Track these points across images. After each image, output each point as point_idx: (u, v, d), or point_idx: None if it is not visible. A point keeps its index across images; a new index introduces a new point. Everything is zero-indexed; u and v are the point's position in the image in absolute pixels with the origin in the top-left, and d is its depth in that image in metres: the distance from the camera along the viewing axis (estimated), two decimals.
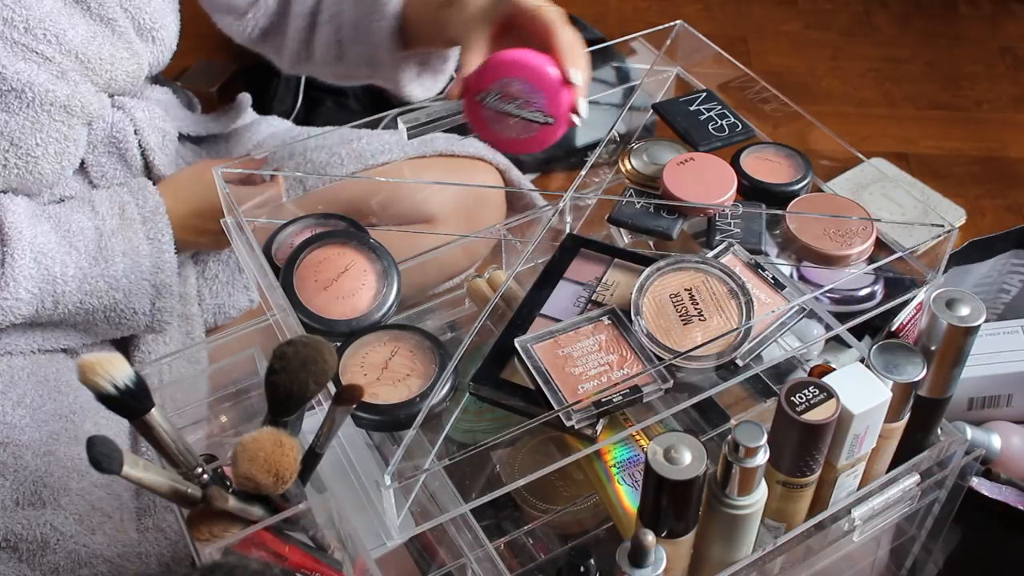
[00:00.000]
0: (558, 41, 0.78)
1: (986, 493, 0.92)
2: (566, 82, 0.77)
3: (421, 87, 1.04)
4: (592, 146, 0.88)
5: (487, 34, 0.82)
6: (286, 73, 1.09)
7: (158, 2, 0.96)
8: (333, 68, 1.03)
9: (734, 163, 0.86)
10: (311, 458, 0.66)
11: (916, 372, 0.73)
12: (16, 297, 0.87)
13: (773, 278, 0.76)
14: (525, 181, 1.23)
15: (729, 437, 0.67)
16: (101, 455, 0.56)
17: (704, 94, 0.92)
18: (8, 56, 0.84)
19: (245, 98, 1.20)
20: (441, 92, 0.91)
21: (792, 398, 0.68)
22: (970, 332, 0.75)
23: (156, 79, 1.06)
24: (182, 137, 1.07)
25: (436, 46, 0.97)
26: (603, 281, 0.78)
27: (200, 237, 0.99)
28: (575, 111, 0.78)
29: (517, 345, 0.71)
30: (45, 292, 0.88)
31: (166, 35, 0.98)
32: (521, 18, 0.81)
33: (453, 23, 0.88)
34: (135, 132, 0.97)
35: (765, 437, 0.66)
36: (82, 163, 0.96)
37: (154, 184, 0.98)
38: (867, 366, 0.73)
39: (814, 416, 0.67)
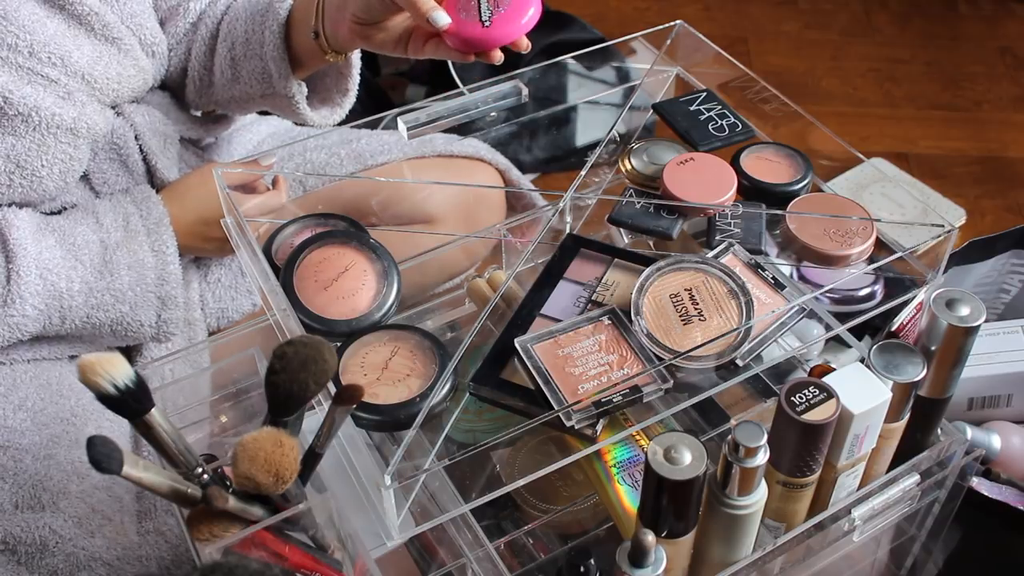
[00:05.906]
0: None
1: (986, 493, 0.92)
2: None
3: (318, 115, 1.03)
4: (592, 146, 0.88)
5: None
6: (193, 107, 1.09)
7: (155, 18, 0.97)
8: (230, 90, 1.02)
9: (734, 163, 0.86)
10: (311, 458, 0.66)
11: (916, 372, 0.73)
12: (23, 314, 0.86)
13: (773, 278, 0.76)
14: (525, 181, 1.23)
15: (729, 437, 0.67)
16: (101, 455, 0.56)
17: (704, 94, 0.92)
18: (14, 80, 0.84)
19: None
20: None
21: (792, 398, 0.68)
22: (970, 332, 0.75)
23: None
24: (183, 140, 1.07)
25: (321, 59, 0.95)
26: (603, 281, 0.78)
27: (206, 243, 0.98)
28: None
29: (517, 345, 0.71)
30: (52, 307, 0.88)
31: (164, 50, 0.99)
32: None
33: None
34: (135, 137, 0.97)
35: (765, 437, 0.66)
36: (84, 171, 0.96)
37: (159, 188, 0.98)
38: (867, 366, 0.73)
39: (814, 416, 0.67)
